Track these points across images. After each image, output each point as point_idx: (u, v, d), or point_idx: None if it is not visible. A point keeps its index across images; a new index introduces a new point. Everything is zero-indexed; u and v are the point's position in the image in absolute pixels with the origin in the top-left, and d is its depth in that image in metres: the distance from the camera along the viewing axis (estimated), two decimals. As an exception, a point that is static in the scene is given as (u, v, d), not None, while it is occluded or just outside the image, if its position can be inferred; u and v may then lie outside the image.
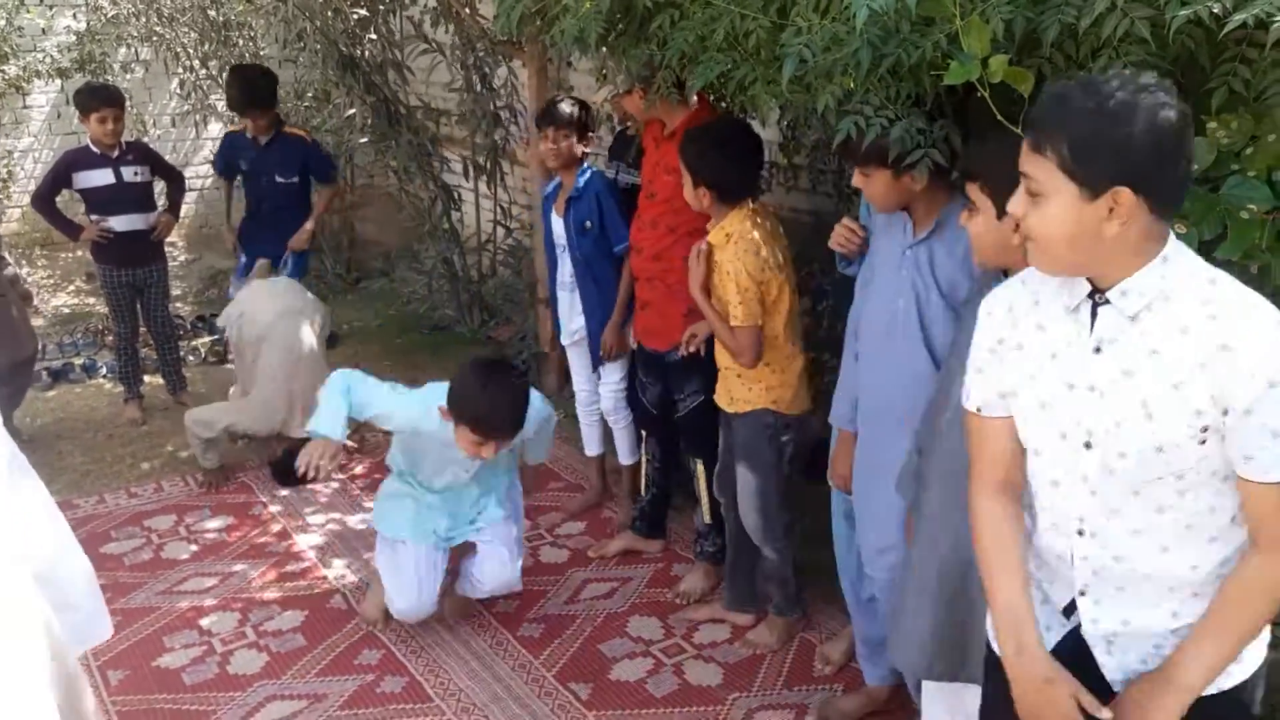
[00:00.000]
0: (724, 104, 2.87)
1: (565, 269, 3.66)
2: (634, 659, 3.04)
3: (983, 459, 1.64)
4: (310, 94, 6.48)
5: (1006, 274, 1.92)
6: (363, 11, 5.57)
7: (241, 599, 3.40)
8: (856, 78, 1.94)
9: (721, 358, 2.91)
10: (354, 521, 3.89)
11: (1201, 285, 1.41)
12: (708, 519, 3.30)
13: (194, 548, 3.74)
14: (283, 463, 4.03)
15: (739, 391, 2.88)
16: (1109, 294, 1.44)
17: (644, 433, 3.61)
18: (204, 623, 3.27)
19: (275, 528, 3.86)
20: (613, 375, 3.65)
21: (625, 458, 3.80)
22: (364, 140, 6.17)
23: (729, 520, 3.10)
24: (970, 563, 1.89)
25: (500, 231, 5.74)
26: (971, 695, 1.97)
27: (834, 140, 2.16)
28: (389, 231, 7.39)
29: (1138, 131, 1.33)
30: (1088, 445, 1.48)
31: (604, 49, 2.76)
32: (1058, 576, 1.60)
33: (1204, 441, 1.41)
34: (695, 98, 3.09)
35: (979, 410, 1.63)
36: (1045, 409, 1.52)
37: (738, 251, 2.74)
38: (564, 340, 3.82)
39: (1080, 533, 1.53)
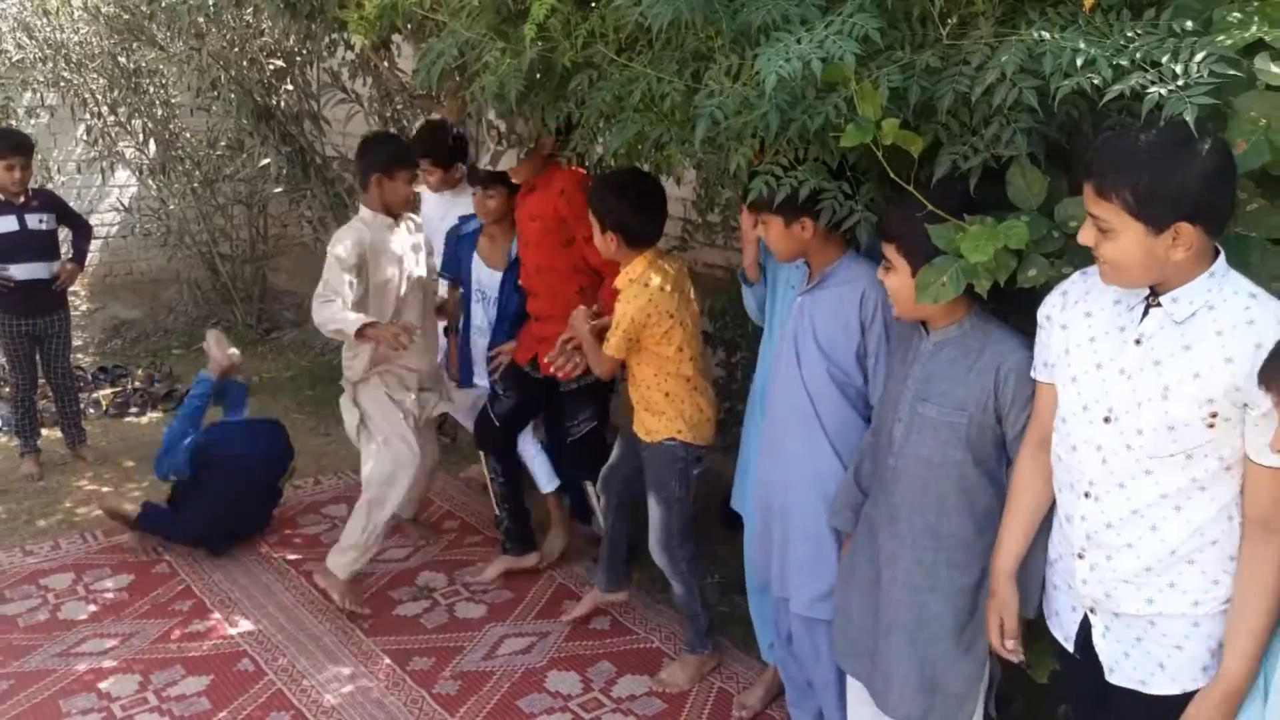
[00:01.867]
0: (571, 160, 2.99)
1: (482, 317, 3.74)
2: (552, 714, 3.01)
3: (1034, 416, 1.95)
4: (223, 142, 6.40)
5: (925, 325, 2.05)
6: (279, 62, 5.56)
7: (143, 661, 3.28)
8: (766, 139, 2.01)
9: (633, 393, 3.09)
10: (265, 579, 3.79)
11: (1243, 298, 1.62)
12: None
13: (93, 607, 3.59)
14: None
15: (650, 423, 3.04)
16: (1162, 299, 1.66)
17: (483, 452, 3.73)
18: (103, 686, 3.14)
19: (180, 585, 3.74)
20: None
21: (545, 486, 3.81)
22: (278, 190, 6.11)
23: (608, 512, 3.33)
24: (925, 605, 2.09)
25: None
26: None
27: (746, 197, 2.25)
28: (302, 282, 7.28)
29: (1192, 175, 1.54)
30: (1107, 420, 1.72)
31: (524, 106, 2.80)
32: (1071, 547, 1.82)
33: (1212, 425, 1.62)
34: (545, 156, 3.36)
35: (1033, 371, 1.92)
36: (1075, 383, 1.77)
37: (631, 294, 2.93)
38: (477, 381, 3.88)
39: (1087, 495, 1.76)
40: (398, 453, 3.48)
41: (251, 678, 3.19)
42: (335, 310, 3.27)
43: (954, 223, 1.88)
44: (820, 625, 2.49)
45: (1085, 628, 1.86)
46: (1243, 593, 1.67)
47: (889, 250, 2.05)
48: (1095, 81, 1.62)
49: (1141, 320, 1.69)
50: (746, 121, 1.98)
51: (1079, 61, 1.62)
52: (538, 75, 2.61)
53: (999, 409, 2.01)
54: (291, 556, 3.93)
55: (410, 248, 3.54)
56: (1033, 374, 1.93)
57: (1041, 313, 1.87)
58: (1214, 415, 1.62)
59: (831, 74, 1.77)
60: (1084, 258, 1.83)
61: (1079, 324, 1.78)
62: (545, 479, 3.80)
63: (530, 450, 3.79)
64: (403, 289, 3.50)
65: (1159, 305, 1.66)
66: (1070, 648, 1.91)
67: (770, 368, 2.62)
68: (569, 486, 3.80)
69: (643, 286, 2.91)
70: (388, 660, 3.27)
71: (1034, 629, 2.07)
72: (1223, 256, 1.65)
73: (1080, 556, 1.80)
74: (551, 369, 3.21)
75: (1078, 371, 1.78)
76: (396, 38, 4.38)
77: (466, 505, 4.37)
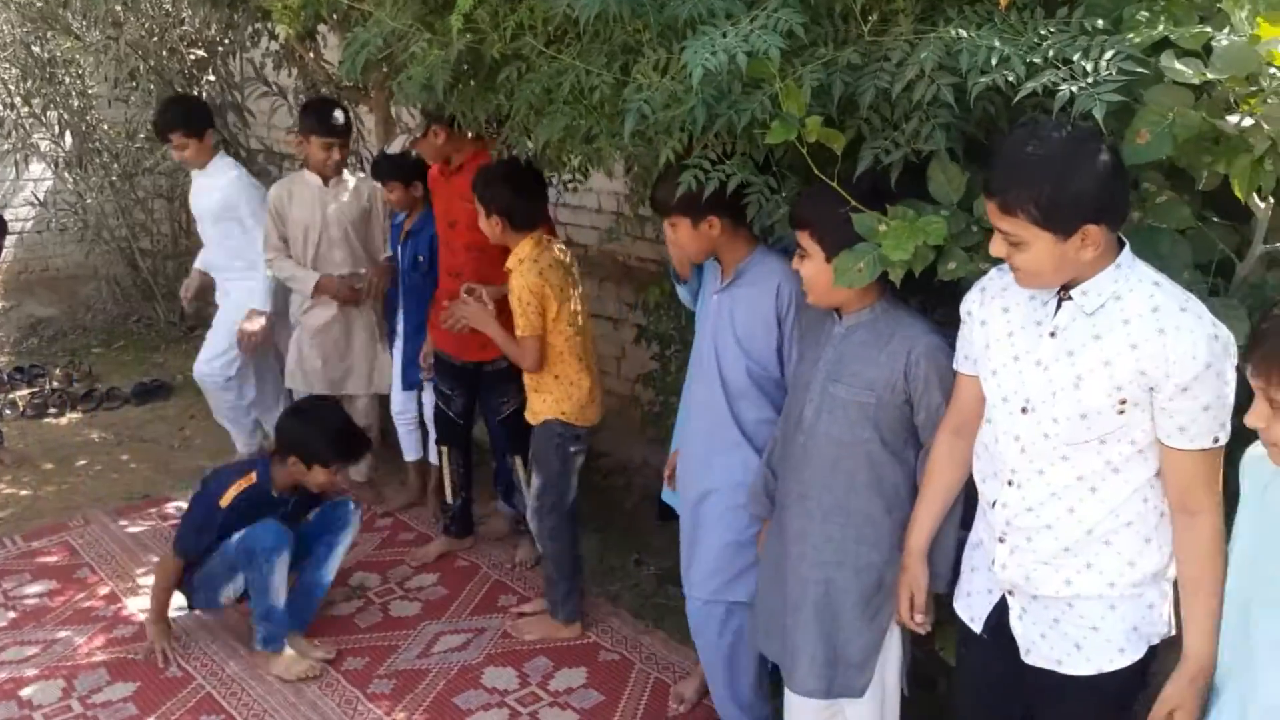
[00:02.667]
0: (504, 142, 2.95)
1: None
2: (489, 710, 3.00)
3: (952, 405, 2.02)
4: (142, 134, 6.23)
5: (838, 311, 2.10)
6: (200, 52, 5.44)
7: (66, 668, 3.19)
8: (694, 133, 2.03)
9: (526, 379, 3.22)
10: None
11: (1147, 286, 1.68)
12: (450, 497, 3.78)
13: (12, 614, 3.49)
14: None
15: (534, 404, 3.20)
16: (1073, 292, 1.72)
17: (445, 446, 3.81)
18: (25, 694, 3.05)
19: (103, 591, 3.64)
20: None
21: (408, 454, 4.19)
22: (201, 183, 5.96)
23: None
24: (831, 579, 2.16)
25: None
26: (849, 705, 2.24)
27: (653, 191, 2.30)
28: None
29: (1090, 178, 1.59)
30: (1024, 410, 1.78)
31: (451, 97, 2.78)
32: (993, 532, 1.88)
33: (1122, 411, 1.69)
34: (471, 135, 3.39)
35: (955, 362, 1.98)
36: (995, 376, 1.83)
37: (521, 271, 3.08)
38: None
39: (1010, 483, 1.83)
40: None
41: (179, 683, 3.12)
42: (287, 265, 3.93)
43: (875, 214, 1.91)
44: (717, 606, 2.57)
45: (999, 610, 1.92)
46: (1186, 576, 1.73)
47: (803, 237, 2.09)
48: (1010, 78, 1.66)
49: (1055, 314, 1.75)
50: (674, 116, 1.99)
51: (994, 59, 1.66)
52: (465, 67, 2.59)
53: (908, 391, 2.08)
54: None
55: (335, 207, 3.92)
56: (955, 365, 1.98)
57: (963, 308, 1.92)
58: (1124, 401, 1.68)
59: (757, 69, 1.79)
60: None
61: (997, 319, 1.84)
62: (410, 448, 4.16)
63: (407, 424, 4.10)
64: (317, 243, 3.92)
65: (1070, 299, 1.72)
66: (978, 629, 1.96)
67: (691, 365, 2.66)
68: (499, 466, 3.90)
69: (533, 263, 3.08)
70: (322, 651, 3.23)
71: (948, 612, 2.13)
72: (1128, 248, 1.71)
73: (1001, 540, 1.86)
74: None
75: (997, 365, 1.83)
76: (322, 28, 4.31)
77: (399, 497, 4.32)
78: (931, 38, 1.73)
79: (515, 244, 3.14)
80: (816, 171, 1.91)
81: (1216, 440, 1.67)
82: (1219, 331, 1.64)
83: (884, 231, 1.86)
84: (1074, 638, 1.82)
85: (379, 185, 3.94)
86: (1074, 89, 1.60)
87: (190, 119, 4.12)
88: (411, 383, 3.98)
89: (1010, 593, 1.89)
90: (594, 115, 2.30)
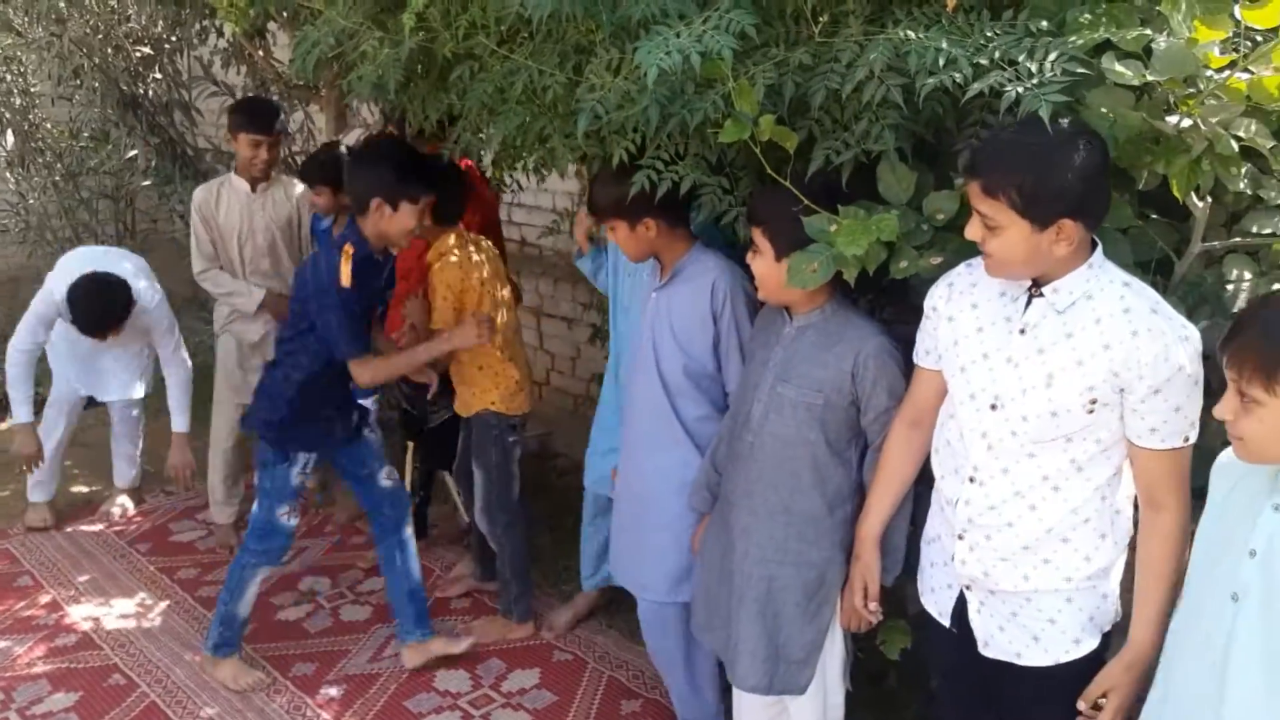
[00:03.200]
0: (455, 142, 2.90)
1: None
2: (441, 713, 2.97)
3: (909, 397, 2.03)
4: (87, 133, 6.10)
5: (789, 310, 2.11)
6: (147, 50, 5.34)
7: (5, 678, 3.11)
8: (646, 133, 2.03)
9: (453, 370, 3.23)
10: (136, 590, 3.64)
11: (1118, 287, 1.70)
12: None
13: (-52, 625, 3.40)
14: None
15: (465, 397, 3.22)
16: (1044, 289, 1.73)
17: (411, 444, 3.77)
18: (-41, 707, 2.97)
19: (44, 599, 3.55)
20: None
21: None
22: (147, 183, 5.86)
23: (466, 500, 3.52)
24: (774, 577, 2.17)
25: (296, 279, 5.56)
26: (791, 702, 2.28)
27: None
28: (173, 280, 6.97)
29: (1073, 175, 1.60)
30: (993, 407, 1.79)
31: (403, 96, 2.76)
32: (952, 529, 1.89)
33: (1092, 411, 1.70)
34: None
35: (915, 357, 1.98)
36: (963, 372, 1.83)
37: (441, 266, 3.13)
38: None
39: (972, 480, 1.84)
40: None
41: (123, 691, 3.06)
42: (225, 279, 3.77)
43: (827, 215, 1.93)
44: (670, 608, 2.58)
45: (960, 604, 1.94)
46: (1143, 567, 1.76)
47: (756, 234, 2.10)
48: (957, 79, 1.69)
49: (1025, 310, 1.76)
50: (628, 116, 2.00)
51: (941, 60, 1.68)
52: (418, 66, 2.57)
53: (855, 392, 2.10)
54: (164, 562, 3.78)
55: (262, 214, 3.77)
56: (915, 359, 1.99)
57: (927, 303, 1.93)
58: (1094, 401, 1.69)
59: (710, 70, 1.80)
60: (954, 250, 1.91)
61: (966, 315, 1.84)
62: None
63: None
64: (244, 249, 3.78)
65: (1041, 295, 1.74)
66: (946, 623, 1.98)
67: (629, 363, 2.67)
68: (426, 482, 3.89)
69: (451, 257, 3.13)
70: (269, 667, 3.18)
71: (891, 609, 2.17)
72: (1100, 248, 1.73)
73: (960, 537, 1.88)
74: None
75: (965, 361, 1.83)
76: (271, 25, 4.26)
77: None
78: (881, 39, 1.75)
79: (435, 237, 3.18)
80: (770, 171, 1.92)
81: (1187, 439, 1.70)
82: (1189, 333, 1.66)
83: (837, 229, 1.88)
84: (1032, 630, 1.85)
85: (304, 189, 3.81)
86: (1020, 90, 1.63)
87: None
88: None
89: (968, 587, 1.91)
90: (547, 115, 2.30)
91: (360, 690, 3.08)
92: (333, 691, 3.07)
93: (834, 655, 2.24)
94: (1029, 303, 1.76)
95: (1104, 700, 1.78)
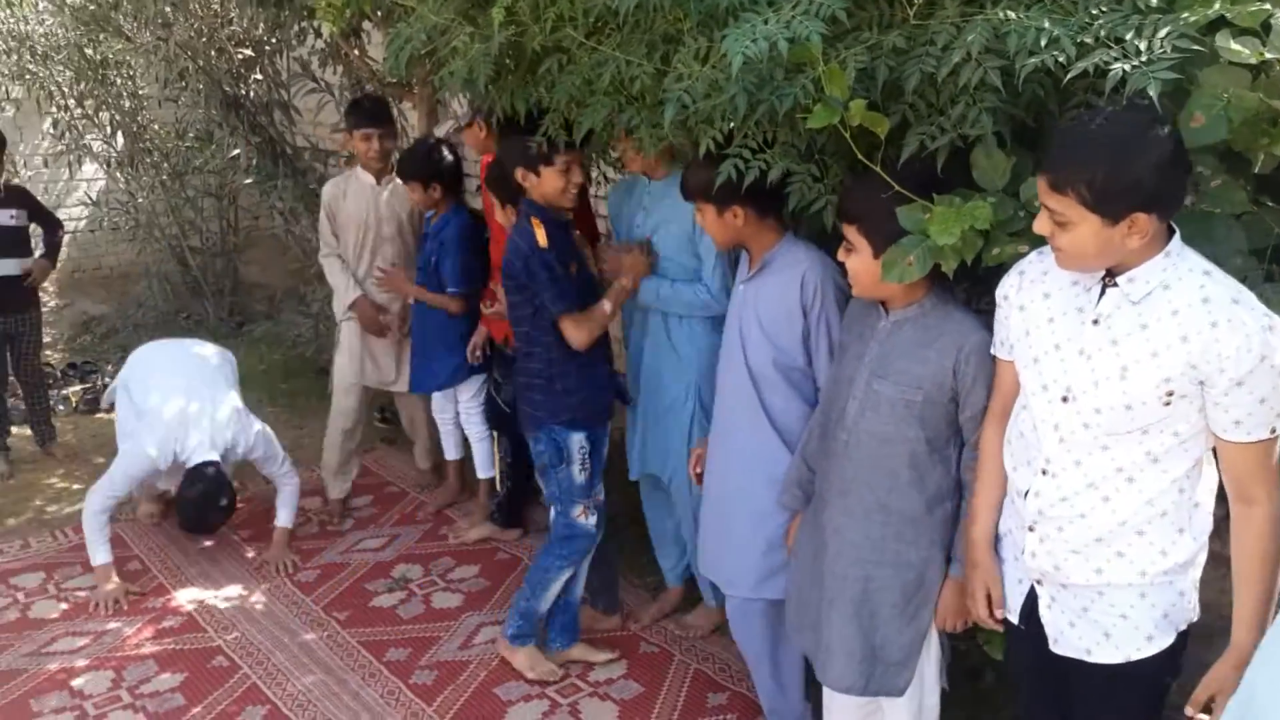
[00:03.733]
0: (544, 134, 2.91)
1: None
2: (530, 701, 3.01)
3: (995, 392, 1.98)
4: (192, 134, 6.33)
5: (884, 304, 2.07)
6: (248, 51, 5.50)
7: (116, 658, 3.24)
8: (734, 122, 2.01)
9: None
10: (238, 574, 3.76)
11: (1198, 276, 1.63)
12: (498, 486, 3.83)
13: (64, 606, 3.55)
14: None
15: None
16: (1118, 279, 1.67)
17: (495, 432, 3.89)
18: (76, 684, 3.10)
19: (152, 583, 3.70)
20: (466, 393, 3.95)
21: (482, 471, 4.05)
22: (249, 181, 6.04)
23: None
24: (871, 577, 2.12)
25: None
26: (887, 703, 2.24)
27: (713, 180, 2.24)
28: (274, 274, 7.23)
29: (1146, 167, 1.54)
30: (1065, 399, 1.74)
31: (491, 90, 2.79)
32: (1023, 522, 1.85)
33: (1168, 404, 1.65)
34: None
35: (993, 348, 1.94)
36: (1035, 364, 1.78)
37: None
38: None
39: (1044, 471, 1.79)
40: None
41: (226, 672, 3.17)
42: (336, 270, 3.97)
43: (921, 203, 1.88)
44: (756, 604, 2.55)
45: (1030, 600, 1.89)
46: (1239, 565, 1.70)
47: (850, 231, 2.05)
48: (1059, 59, 1.62)
49: (1099, 301, 1.71)
50: (715, 105, 1.98)
51: (1043, 40, 1.62)
52: (507, 60, 2.59)
53: (956, 389, 2.04)
54: (266, 548, 3.90)
55: (387, 205, 3.93)
56: (992, 351, 1.95)
57: (999, 292, 1.88)
58: (1170, 394, 1.64)
59: (799, 55, 1.77)
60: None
61: (1038, 305, 1.80)
62: (484, 465, 4.04)
63: (477, 434, 4.01)
64: (365, 238, 3.93)
65: (1115, 285, 1.68)
66: (1015, 619, 1.93)
67: (720, 357, 2.63)
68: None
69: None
70: (364, 652, 3.26)
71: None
72: (1178, 236, 1.66)
73: (1031, 529, 1.83)
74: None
75: (1038, 352, 1.79)
76: (366, 25, 4.34)
77: (444, 495, 4.35)
78: (979, 20, 1.70)
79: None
80: (861, 158, 1.88)
81: (1274, 431, 1.63)
82: (1273, 322, 1.59)
83: (930, 218, 1.83)
84: (1103, 626, 1.79)
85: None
86: (1126, 68, 1.56)
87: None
88: (421, 385, 3.97)
89: (1039, 582, 1.87)
90: (634, 105, 2.29)
91: (451, 677, 3.13)
92: (425, 677, 3.13)
93: (931, 655, 2.19)
94: (1103, 293, 1.70)
95: (1213, 704, 1.71)
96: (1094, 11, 1.68)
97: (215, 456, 3.56)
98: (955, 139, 1.84)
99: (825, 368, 2.39)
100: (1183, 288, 1.63)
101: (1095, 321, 1.71)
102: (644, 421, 3.09)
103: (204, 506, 3.56)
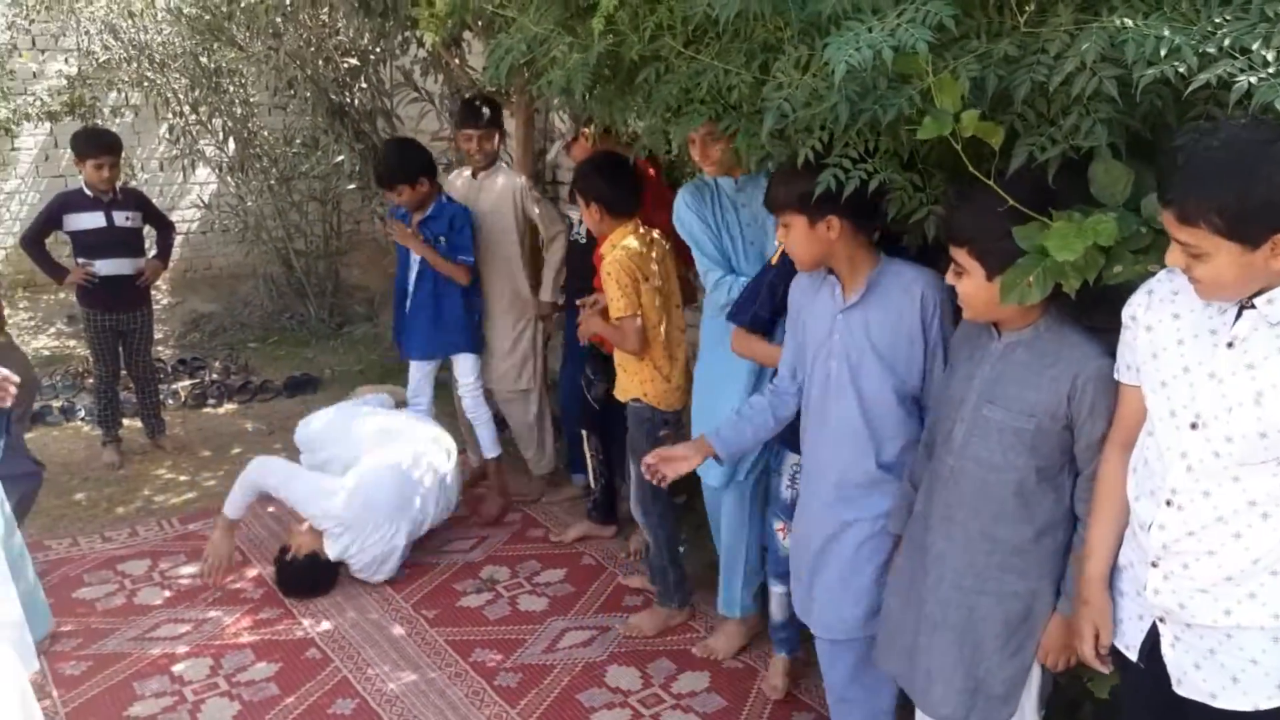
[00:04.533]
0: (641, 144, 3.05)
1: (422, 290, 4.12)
2: (612, 709, 3.01)
3: (1117, 418, 1.87)
4: (299, 140, 6.54)
5: (996, 325, 2.01)
6: (354, 61, 5.66)
7: (215, 646, 3.35)
8: (835, 131, 1.98)
9: (615, 357, 3.36)
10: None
11: None
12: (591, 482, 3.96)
13: (167, 593, 3.69)
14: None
15: (622, 381, 3.34)
16: (1256, 300, 1.59)
17: (585, 430, 3.99)
18: (176, 669, 3.21)
19: (251, 573, 3.82)
20: (465, 375, 4.19)
21: (488, 451, 4.27)
22: (351, 186, 6.22)
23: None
24: (974, 607, 2.05)
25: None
26: None
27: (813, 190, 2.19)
28: (374, 276, 7.42)
29: (1277, 184, 1.45)
30: (1194, 426, 1.65)
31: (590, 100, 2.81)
32: (1145, 556, 1.76)
33: None
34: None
35: (1117, 372, 1.85)
36: (1163, 388, 1.70)
37: (616, 255, 3.21)
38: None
39: (1169, 503, 1.69)
40: None
41: (318, 665, 3.24)
42: None
43: (1039, 221, 1.81)
44: (841, 644, 2.45)
45: (1151, 637, 1.79)
46: None
47: (959, 255, 1.96)
48: (1180, 70, 1.55)
49: (1235, 323, 1.61)
50: (815, 114, 1.95)
51: (1163, 49, 1.55)
52: (605, 69, 2.60)
53: (1071, 416, 1.93)
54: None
55: (479, 197, 4.14)
56: (1115, 375, 1.85)
57: (1126, 313, 1.79)
58: None
59: (905, 65, 1.73)
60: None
61: (1166, 326, 1.71)
62: (489, 445, 4.25)
63: (481, 416, 4.22)
64: (483, 231, 4.14)
65: (1253, 307, 1.58)
66: (1134, 656, 1.83)
67: (814, 387, 2.42)
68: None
69: (626, 247, 3.22)
70: (450, 651, 3.30)
71: None
72: None
73: (1154, 565, 1.73)
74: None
75: (1166, 376, 1.69)
76: (467, 35, 4.42)
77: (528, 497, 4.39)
78: (1094, 28, 1.64)
79: (612, 231, 3.30)
80: (972, 170, 1.82)
81: None
82: None
83: (1047, 234, 1.76)
84: (1231, 670, 1.68)
85: (523, 181, 4.14)
86: (1252, 80, 1.48)
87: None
88: (411, 352, 4.18)
89: (1161, 620, 1.76)
90: (732, 114, 2.28)
91: (535, 680, 3.15)
92: (509, 680, 3.16)
93: (1032, 690, 2.10)
94: (1239, 314, 1.60)
95: None
96: (1217, 20, 1.59)
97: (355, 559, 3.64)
98: (1067, 150, 1.78)
99: (936, 383, 2.29)
100: None
101: (1230, 344, 1.61)
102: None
103: (314, 585, 3.65)
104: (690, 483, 3.39)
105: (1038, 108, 1.82)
